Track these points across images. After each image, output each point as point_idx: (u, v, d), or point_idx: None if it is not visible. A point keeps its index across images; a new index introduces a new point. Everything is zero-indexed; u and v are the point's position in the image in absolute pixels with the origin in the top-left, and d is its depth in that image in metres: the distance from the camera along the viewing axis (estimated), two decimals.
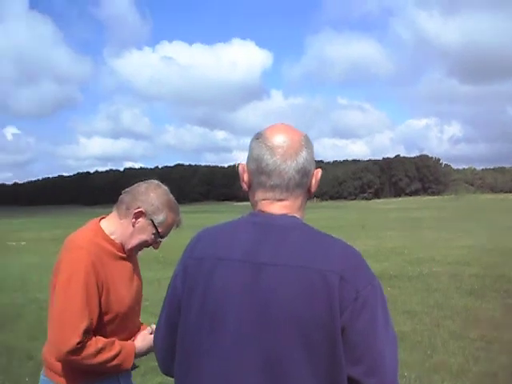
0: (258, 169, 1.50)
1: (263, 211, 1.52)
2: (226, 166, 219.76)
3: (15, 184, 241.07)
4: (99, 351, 2.13)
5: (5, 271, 14.73)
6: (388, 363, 1.39)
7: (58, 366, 2.22)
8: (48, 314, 2.26)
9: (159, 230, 2.36)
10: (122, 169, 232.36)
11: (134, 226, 2.34)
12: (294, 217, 1.51)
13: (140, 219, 2.33)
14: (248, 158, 1.56)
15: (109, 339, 2.20)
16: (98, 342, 2.14)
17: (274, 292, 1.37)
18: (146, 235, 2.36)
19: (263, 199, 1.52)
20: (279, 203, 1.51)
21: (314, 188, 1.56)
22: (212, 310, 1.44)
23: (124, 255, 2.37)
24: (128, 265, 2.40)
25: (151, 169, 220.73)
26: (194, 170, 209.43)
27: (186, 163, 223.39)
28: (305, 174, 1.50)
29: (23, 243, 24.95)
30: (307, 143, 1.53)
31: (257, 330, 1.37)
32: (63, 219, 60.35)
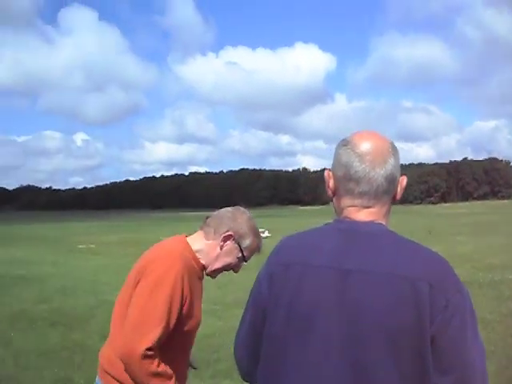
0: (346, 175, 1.50)
1: (349, 218, 1.52)
2: (290, 170, 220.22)
3: (84, 188, 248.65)
4: (156, 374, 2.13)
5: (76, 274, 15.19)
6: (478, 376, 1.35)
7: (117, 368, 2.23)
8: (116, 310, 2.33)
9: (244, 254, 2.44)
10: (186, 173, 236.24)
11: (221, 248, 2.41)
12: (380, 224, 1.50)
13: (228, 242, 2.41)
14: (334, 164, 1.55)
15: (170, 371, 2.20)
16: (160, 364, 2.15)
17: (362, 299, 1.36)
18: (231, 258, 2.44)
19: (350, 206, 1.52)
20: (366, 210, 1.50)
21: (399, 195, 1.54)
22: (299, 317, 1.43)
23: (202, 276, 2.46)
24: (201, 286, 2.47)
25: (216, 173, 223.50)
26: (258, 174, 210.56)
27: (251, 168, 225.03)
28: (392, 181, 1.50)
29: (92, 246, 25.67)
30: (394, 150, 1.53)
31: (346, 337, 1.36)
32: (130, 223, 61.83)
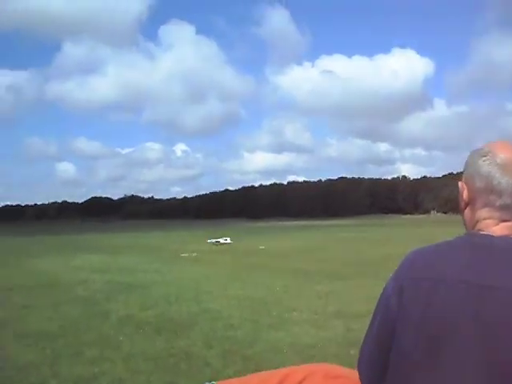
0: (488, 187, 1.45)
1: (483, 231, 1.46)
2: (389, 178, 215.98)
3: (185, 198, 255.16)
4: None
5: (179, 281, 15.62)
6: None
7: None
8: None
9: None
10: (285, 182, 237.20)
11: None
12: None
13: None
14: (470, 174, 1.51)
15: None
16: None
17: (498, 316, 1.30)
18: None
19: (487, 218, 1.46)
20: (504, 224, 1.44)
21: None
22: (432, 333, 1.38)
23: None
24: None
25: (314, 182, 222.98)
26: (357, 182, 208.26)
27: (349, 176, 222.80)
28: None
29: (194, 254, 26.32)
30: None
31: (482, 354, 1.31)
32: (230, 232, 62.82)
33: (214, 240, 36.62)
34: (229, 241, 36.20)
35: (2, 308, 11.48)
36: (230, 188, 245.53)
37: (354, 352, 6.85)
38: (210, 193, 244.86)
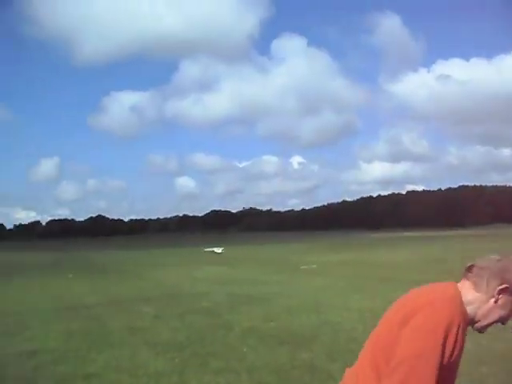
0: None
1: None
2: None
3: (303, 210, 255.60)
4: None
5: (300, 294, 15.68)
6: None
7: None
8: (369, 348, 2.31)
9: None
10: (403, 192, 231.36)
11: (496, 302, 2.28)
12: None
13: (502, 295, 2.28)
14: None
15: None
16: None
17: None
18: (505, 312, 2.30)
19: None
20: None
21: None
22: None
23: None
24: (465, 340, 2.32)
25: (434, 191, 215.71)
26: (479, 190, 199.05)
27: (471, 184, 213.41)
28: None
29: (314, 266, 26.31)
30: None
31: None
32: (348, 243, 62.21)
33: (209, 249, 36.28)
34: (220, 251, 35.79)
35: (135, 317, 12.11)
36: (348, 199, 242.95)
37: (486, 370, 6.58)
38: (328, 204, 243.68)
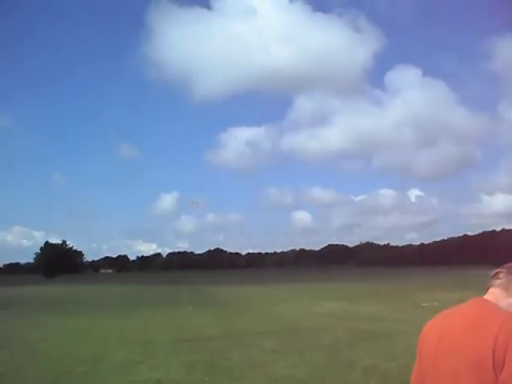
0: None
1: None
2: None
3: (421, 244, 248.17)
4: None
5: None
6: None
7: None
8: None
9: None
10: None
11: None
12: None
13: None
14: None
15: None
16: None
17: None
18: None
19: None
20: None
21: None
22: None
23: None
24: None
25: None
26: None
27: None
28: None
29: (435, 304, 25.29)
30: None
31: None
32: (471, 280, 59.41)
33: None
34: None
35: (254, 351, 12.17)
36: (469, 233, 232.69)
37: None
38: (448, 238, 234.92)
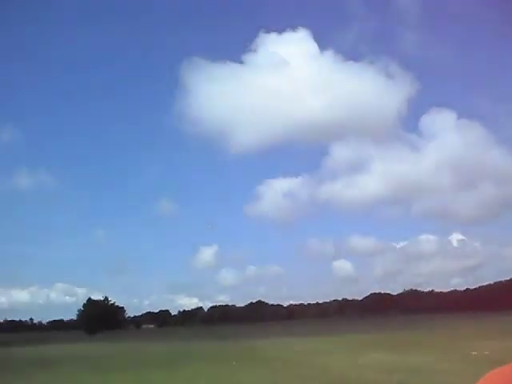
0: None
1: None
2: None
3: (467, 289, 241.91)
4: None
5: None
6: None
7: None
8: None
9: None
10: None
11: None
12: None
13: None
14: None
15: None
16: None
17: None
18: None
19: None
20: None
21: None
22: None
23: None
24: None
25: None
26: None
27: None
28: None
29: (486, 353, 24.55)
30: None
31: None
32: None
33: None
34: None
35: None
36: None
37: None
38: (494, 283, 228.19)
